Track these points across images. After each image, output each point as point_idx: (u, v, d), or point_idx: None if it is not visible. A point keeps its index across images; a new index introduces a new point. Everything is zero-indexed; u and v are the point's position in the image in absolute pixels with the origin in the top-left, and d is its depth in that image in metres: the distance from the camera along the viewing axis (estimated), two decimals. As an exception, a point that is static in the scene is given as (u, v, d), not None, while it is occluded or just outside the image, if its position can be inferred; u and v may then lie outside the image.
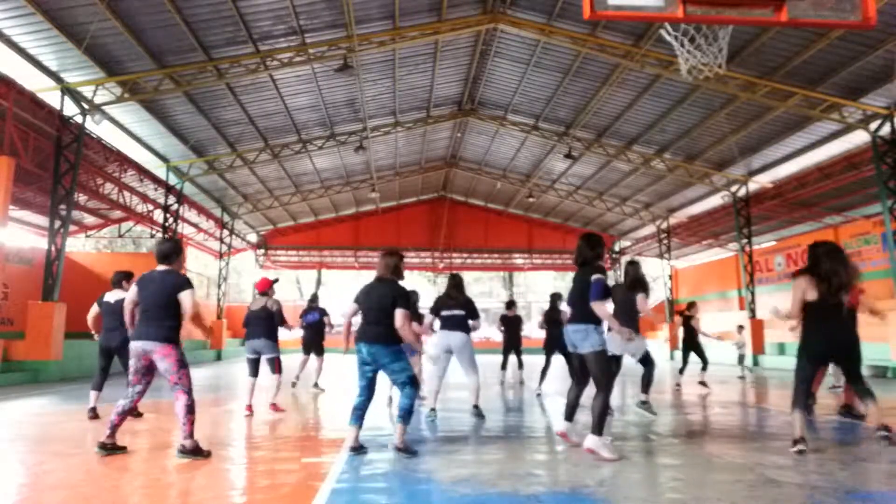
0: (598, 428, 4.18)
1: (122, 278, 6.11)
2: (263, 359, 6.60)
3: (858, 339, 4.41)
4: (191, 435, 4.14)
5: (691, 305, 10.19)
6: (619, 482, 3.53)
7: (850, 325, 4.48)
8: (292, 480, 3.59)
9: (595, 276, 4.26)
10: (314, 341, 9.50)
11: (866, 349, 12.96)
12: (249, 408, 6.34)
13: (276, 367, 6.63)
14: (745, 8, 3.64)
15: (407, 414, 4.29)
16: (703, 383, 9.71)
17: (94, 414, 5.88)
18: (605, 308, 4.24)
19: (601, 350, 4.27)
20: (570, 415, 4.58)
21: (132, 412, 4.55)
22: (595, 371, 4.30)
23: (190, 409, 4.18)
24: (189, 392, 4.20)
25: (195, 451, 4.10)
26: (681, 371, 9.95)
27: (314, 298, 9.95)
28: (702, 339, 9.97)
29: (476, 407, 6.27)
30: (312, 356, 9.58)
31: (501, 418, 6.30)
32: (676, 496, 3.24)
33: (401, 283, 4.55)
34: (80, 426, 5.53)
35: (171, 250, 4.36)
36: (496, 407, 7.34)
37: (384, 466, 3.91)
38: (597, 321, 4.27)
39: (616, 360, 6.15)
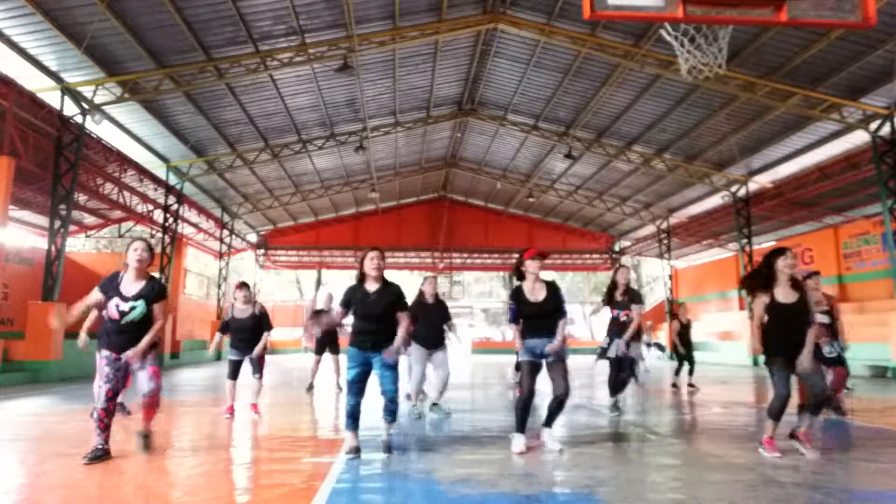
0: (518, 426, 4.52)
1: None
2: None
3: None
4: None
5: (678, 306, 10.65)
6: (619, 482, 3.53)
7: None
8: (292, 480, 3.59)
9: (509, 303, 4.65)
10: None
11: (866, 349, 13.05)
12: (254, 407, 6.40)
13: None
14: (745, 8, 3.64)
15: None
16: (690, 385, 9.76)
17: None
18: (514, 331, 4.59)
19: (518, 361, 4.59)
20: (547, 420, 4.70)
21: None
22: None
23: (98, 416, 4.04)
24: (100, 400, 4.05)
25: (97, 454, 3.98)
26: (677, 372, 10.13)
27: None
28: (693, 340, 10.14)
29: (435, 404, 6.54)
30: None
31: (501, 418, 6.30)
32: (676, 496, 3.24)
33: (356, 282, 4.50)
34: (80, 426, 5.53)
35: None
36: (496, 407, 7.34)
37: (384, 466, 3.91)
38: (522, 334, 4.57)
39: (619, 363, 6.39)
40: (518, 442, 4.42)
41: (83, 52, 10.60)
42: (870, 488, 3.43)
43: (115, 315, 4.03)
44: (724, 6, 3.64)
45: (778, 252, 4.42)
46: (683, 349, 9.83)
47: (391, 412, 4.34)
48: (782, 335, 4.31)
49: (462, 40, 14.51)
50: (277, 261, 28.51)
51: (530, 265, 4.52)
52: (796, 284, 4.36)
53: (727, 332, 21.13)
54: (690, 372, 9.81)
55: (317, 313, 9.24)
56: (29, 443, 4.75)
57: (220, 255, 23.11)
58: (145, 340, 4.08)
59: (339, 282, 33.77)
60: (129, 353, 4.02)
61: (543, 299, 4.48)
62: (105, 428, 4.03)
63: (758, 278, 4.43)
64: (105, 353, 4.07)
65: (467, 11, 13.14)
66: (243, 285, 6.39)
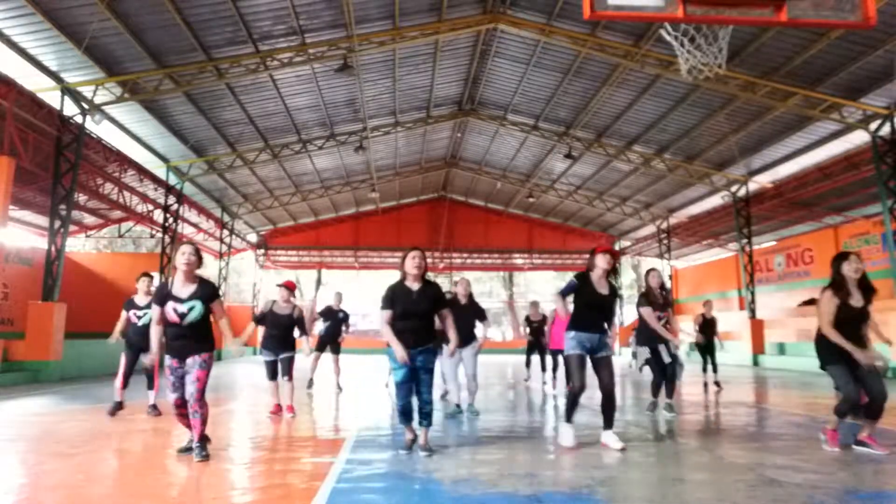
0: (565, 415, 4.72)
1: None
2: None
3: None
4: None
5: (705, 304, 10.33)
6: (619, 482, 3.53)
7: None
8: (292, 480, 3.59)
9: (572, 280, 4.82)
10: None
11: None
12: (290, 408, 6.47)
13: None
14: (745, 8, 3.64)
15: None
16: (716, 384, 9.85)
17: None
18: (559, 302, 4.90)
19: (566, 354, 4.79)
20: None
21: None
22: None
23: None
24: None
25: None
26: (703, 370, 9.95)
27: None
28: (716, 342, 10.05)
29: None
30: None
31: (502, 418, 6.30)
32: (677, 496, 3.24)
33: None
34: (80, 426, 5.53)
35: None
36: (496, 407, 7.34)
37: (384, 466, 3.91)
38: (570, 326, 4.71)
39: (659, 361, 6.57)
40: (568, 435, 4.53)
41: (83, 52, 10.60)
42: (870, 488, 3.43)
43: (175, 318, 4.08)
44: (724, 6, 3.64)
45: (841, 257, 4.51)
46: (704, 346, 9.87)
47: (427, 415, 4.39)
48: (843, 337, 4.40)
49: (462, 40, 14.51)
50: (277, 261, 28.50)
51: (600, 259, 4.71)
52: (864, 285, 4.44)
53: (727, 333, 21.11)
54: (714, 370, 9.82)
55: (329, 311, 9.23)
56: (29, 443, 4.75)
57: (220, 255, 23.11)
58: (233, 340, 4.35)
59: (339, 282, 33.77)
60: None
61: (606, 294, 4.70)
62: (187, 426, 4.21)
63: (835, 287, 4.48)
64: (167, 362, 4.19)
65: (467, 11, 13.15)
66: (287, 287, 6.59)
